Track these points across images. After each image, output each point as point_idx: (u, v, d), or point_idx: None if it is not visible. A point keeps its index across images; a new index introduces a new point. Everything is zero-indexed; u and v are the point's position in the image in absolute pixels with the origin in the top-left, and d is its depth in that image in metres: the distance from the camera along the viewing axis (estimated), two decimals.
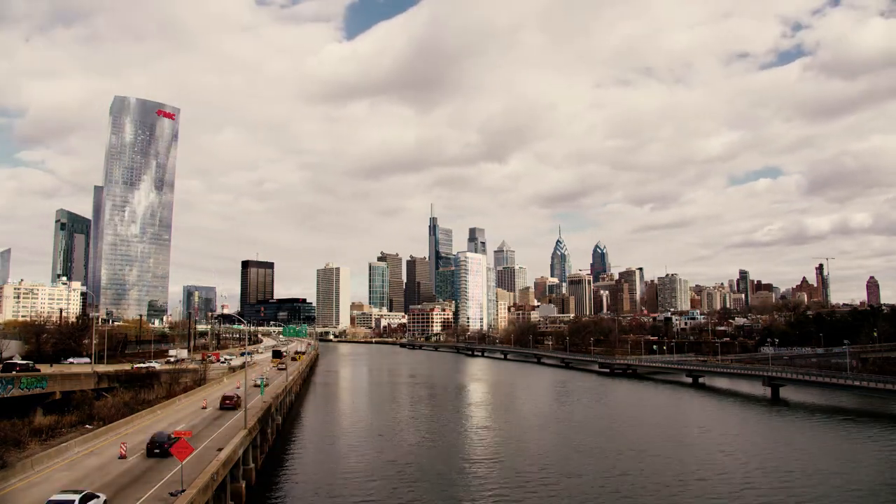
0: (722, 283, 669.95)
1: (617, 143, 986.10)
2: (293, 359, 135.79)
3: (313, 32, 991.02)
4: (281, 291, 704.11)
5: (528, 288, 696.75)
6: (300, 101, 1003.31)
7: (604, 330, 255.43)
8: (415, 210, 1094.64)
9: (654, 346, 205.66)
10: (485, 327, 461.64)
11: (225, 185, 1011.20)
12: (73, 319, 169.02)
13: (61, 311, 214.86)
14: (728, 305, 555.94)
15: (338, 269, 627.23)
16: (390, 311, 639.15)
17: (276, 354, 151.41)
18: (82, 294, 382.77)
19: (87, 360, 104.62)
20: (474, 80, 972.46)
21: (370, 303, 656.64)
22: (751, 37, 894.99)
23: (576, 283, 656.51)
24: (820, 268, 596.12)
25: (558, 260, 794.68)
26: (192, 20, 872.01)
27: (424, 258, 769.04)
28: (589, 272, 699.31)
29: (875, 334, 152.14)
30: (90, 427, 55.13)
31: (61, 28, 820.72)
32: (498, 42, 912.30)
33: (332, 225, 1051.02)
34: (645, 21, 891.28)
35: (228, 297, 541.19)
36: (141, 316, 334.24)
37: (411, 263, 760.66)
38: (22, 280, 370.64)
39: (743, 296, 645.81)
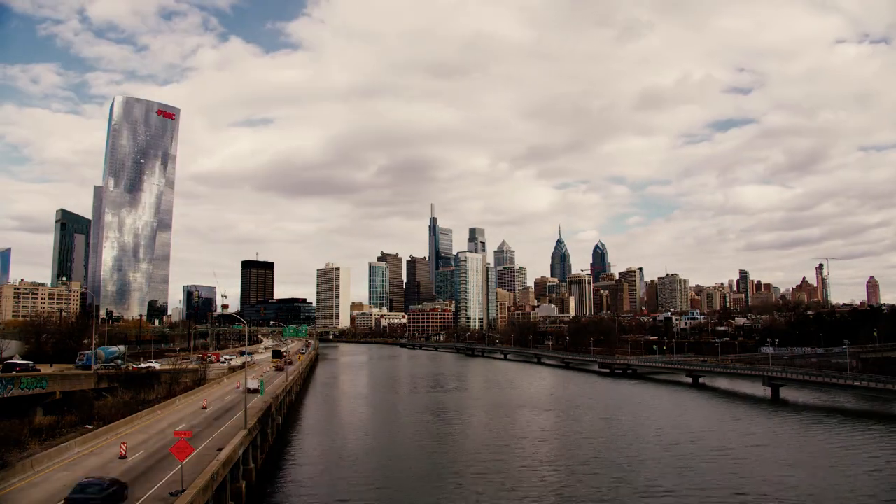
0: (722, 283, 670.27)
1: None
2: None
3: None
4: (281, 291, 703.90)
5: (528, 288, 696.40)
6: None
7: (604, 330, 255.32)
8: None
9: (654, 346, 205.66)
10: (485, 327, 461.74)
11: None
12: (73, 319, 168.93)
13: (61, 311, 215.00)
14: (728, 305, 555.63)
15: (338, 269, 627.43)
16: (390, 311, 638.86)
17: (277, 354, 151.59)
18: (82, 294, 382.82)
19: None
20: None
21: (370, 303, 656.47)
22: None
23: (576, 283, 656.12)
24: (820, 268, 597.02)
25: (558, 260, 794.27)
26: None
27: (424, 258, 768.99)
28: (589, 272, 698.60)
29: (875, 334, 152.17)
30: (90, 427, 55.07)
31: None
32: None
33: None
34: None
35: (228, 298, 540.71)
36: (141, 316, 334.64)
37: (411, 263, 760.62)
38: (22, 280, 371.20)
39: (743, 296, 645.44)
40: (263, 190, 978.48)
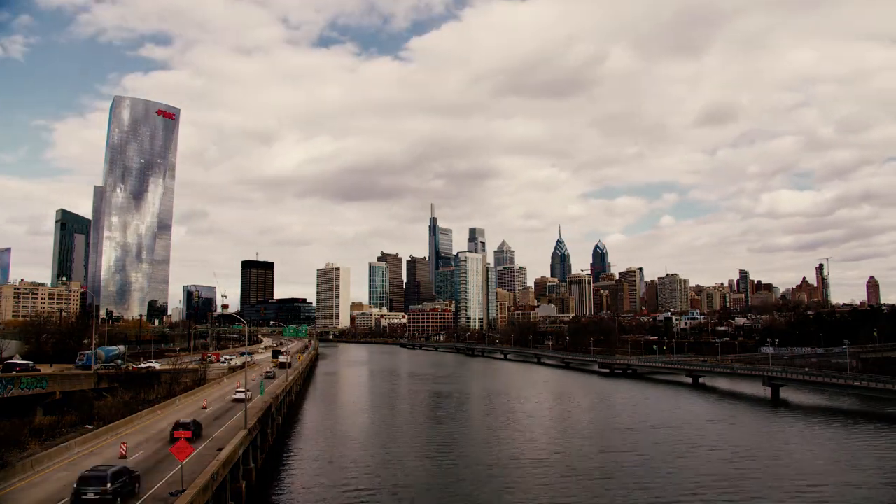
0: (722, 283, 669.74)
1: None
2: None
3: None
4: (281, 291, 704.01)
5: (528, 288, 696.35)
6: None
7: (604, 330, 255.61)
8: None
9: (654, 346, 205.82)
10: (485, 327, 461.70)
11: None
12: (73, 319, 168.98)
13: (61, 311, 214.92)
14: (728, 305, 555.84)
15: (338, 269, 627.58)
16: (390, 311, 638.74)
17: (276, 354, 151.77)
18: (82, 294, 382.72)
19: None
20: None
21: (370, 303, 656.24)
22: None
23: (576, 283, 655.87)
24: (820, 268, 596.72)
25: (558, 260, 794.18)
26: None
27: (424, 258, 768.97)
28: (589, 272, 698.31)
29: (875, 334, 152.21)
30: (90, 427, 55.09)
31: None
32: None
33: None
34: None
35: (228, 298, 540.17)
36: (141, 316, 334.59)
37: (411, 263, 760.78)
38: (22, 280, 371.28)
39: (743, 296, 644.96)
40: (313, 195, 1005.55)
